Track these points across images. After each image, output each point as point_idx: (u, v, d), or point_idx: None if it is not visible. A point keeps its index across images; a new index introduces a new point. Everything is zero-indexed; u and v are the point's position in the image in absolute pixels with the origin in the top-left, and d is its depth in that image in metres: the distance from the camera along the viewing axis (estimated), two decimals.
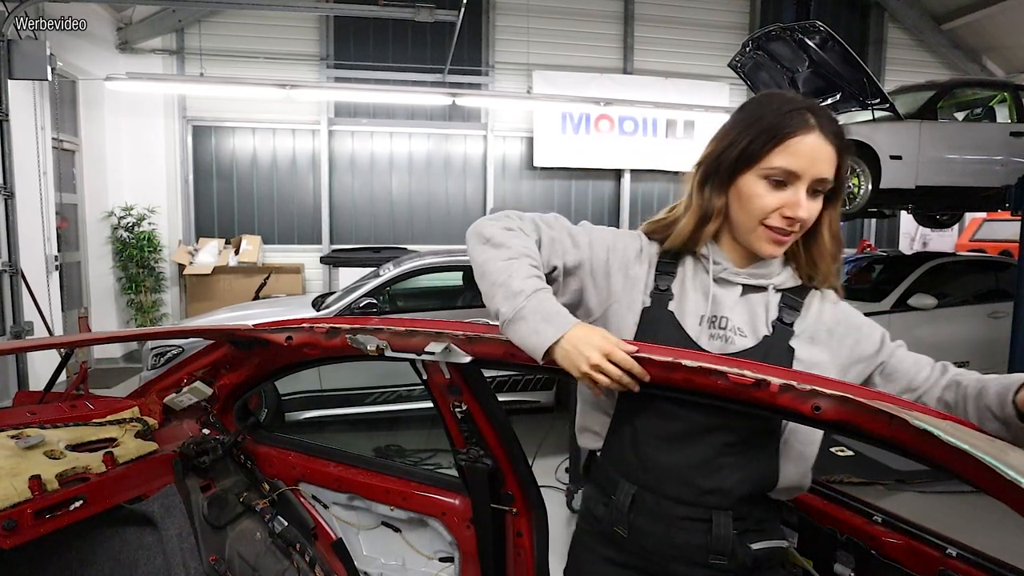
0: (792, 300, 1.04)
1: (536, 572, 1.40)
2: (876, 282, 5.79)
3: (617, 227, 7.65)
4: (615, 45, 8.43)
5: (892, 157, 5.32)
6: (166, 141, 7.18)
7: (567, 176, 8.46)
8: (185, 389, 1.65)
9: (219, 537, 1.63)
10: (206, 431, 1.66)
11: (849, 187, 5.32)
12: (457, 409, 1.30)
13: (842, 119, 5.89)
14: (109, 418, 1.70)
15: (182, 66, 7.23)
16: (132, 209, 6.76)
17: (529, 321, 0.92)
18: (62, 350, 2.09)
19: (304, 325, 1.30)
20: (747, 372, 0.88)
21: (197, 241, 7.33)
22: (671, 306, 1.04)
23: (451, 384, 1.25)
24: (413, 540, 1.60)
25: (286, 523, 1.67)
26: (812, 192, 0.97)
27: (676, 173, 8.22)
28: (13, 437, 1.50)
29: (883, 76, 9.21)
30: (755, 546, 0.99)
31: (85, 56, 6.20)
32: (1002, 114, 6.01)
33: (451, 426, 1.34)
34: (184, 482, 1.59)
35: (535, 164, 8.25)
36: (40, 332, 4.99)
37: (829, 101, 6.06)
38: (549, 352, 0.91)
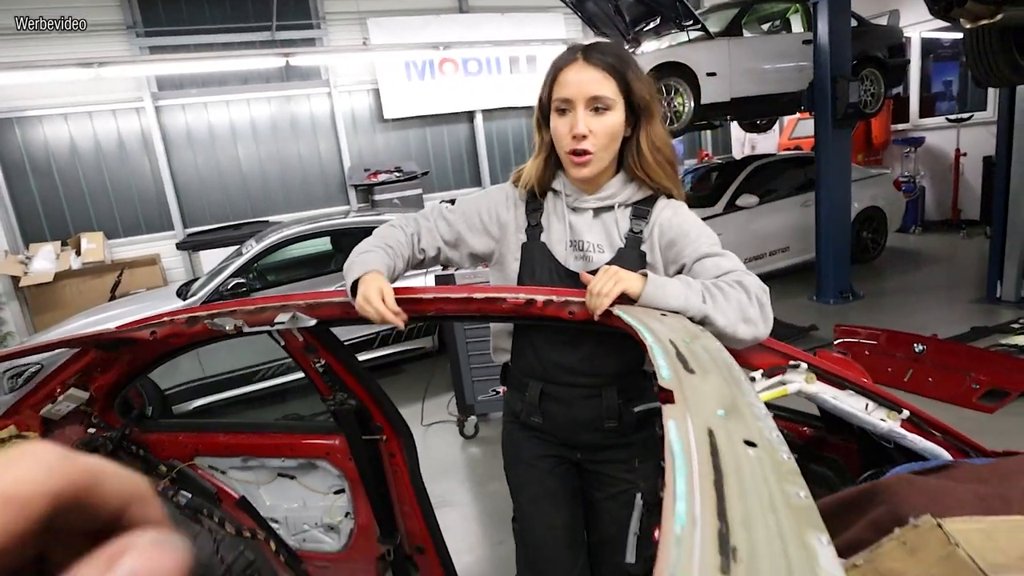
0: (641, 211, 1.23)
1: (412, 483, 1.72)
2: (713, 187, 6.50)
3: (477, 169, 7.94)
4: None
5: (708, 74, 5.92)
6: None
7: (420, 124, 8.50)
8: (61, 398, 1.75)
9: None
10: (92, 431, 1.79)
11: (675, 106, 5.90)
12: (317, 364, 1.55)
13: (665, 42, 6.42)
14: None
15: None
16: None
17: (345, 273, 1.20)
18: None
19: (165, 319, 1.47)
20: (519, 295, 1.21)
21: (27, 248, 6.66)
22: (543, 237, 1.26)
23: (307, 345, 1.49)
24: (307, 482, 1.87)
25: (190, 495, 1.86)
26: (594, 110, 1.16)
27: (526, 108, 8.52)
28: None
29: None
30: (637, 409, 1.25)
31: None
32: (797, 24, 6.82)
33: (316, 379, 1.60)
34: None
35: (386, 116, 8.20)
36: None
37: (651, 25, 6.56)
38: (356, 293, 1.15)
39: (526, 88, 8.65)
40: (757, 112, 7.26)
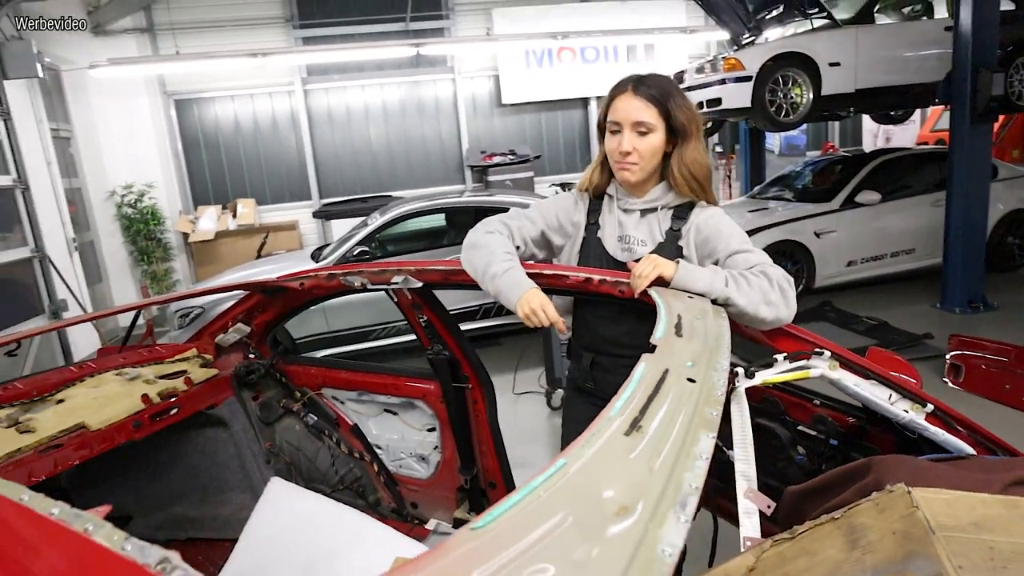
0: (681, 212, 1.49)
1: (490, 427, 2.05)
2: (833, 182, 6.19)
3: (588, 154, 8.12)
4: None
5: (831, 64, 5.67)
6: (152, 118, 7.55)
7: (536, 109, 8.81)
8: (231, 329, 2.27)
9: (270, 430, 2.29)
10: (251, 357, 2.29)
11: (791, 97, 5.73)
12: (421, 320, 1.91)
13: (790, 30, 6.20)
14: (177, 357, 2.33)
15: (155, 43, 7.49)
16: (131, 186, 7.24)
17: (503, 290, 1.41)
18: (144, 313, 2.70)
19: (311, 273, 1.89)
20: (580, 274, 1.47)
21: (196, 209, 7.83)
22: (599, 233, 1.54)
23: (414, 303, 1.86)
24: (406, 418, 2.26)
25: (316, 418, 2.32)
26: (639, 133, 1.41)
27: None
28: (117, 374, 2.14)
29: None
30: None
31: (63, 45, 6.49)
32: (941, 9, 6.28)
33: (419, 332, 1.96)
34: (240, 394, 2.23)
35: (504, 101, 8.59)
36: (74, 307, 5.60)
37: (774, 13, 6.37)
38: (517, 306, 1.41)
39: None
40: (886, 104, 6.77)
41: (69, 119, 6.73)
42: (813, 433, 1.63)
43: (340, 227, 7.32)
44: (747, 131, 8.25)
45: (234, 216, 7.71)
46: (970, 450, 1.38)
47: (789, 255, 5.65)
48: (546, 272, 1.49)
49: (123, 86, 7.19)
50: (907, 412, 1.36)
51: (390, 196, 8.09)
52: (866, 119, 9.85)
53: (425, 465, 2.24)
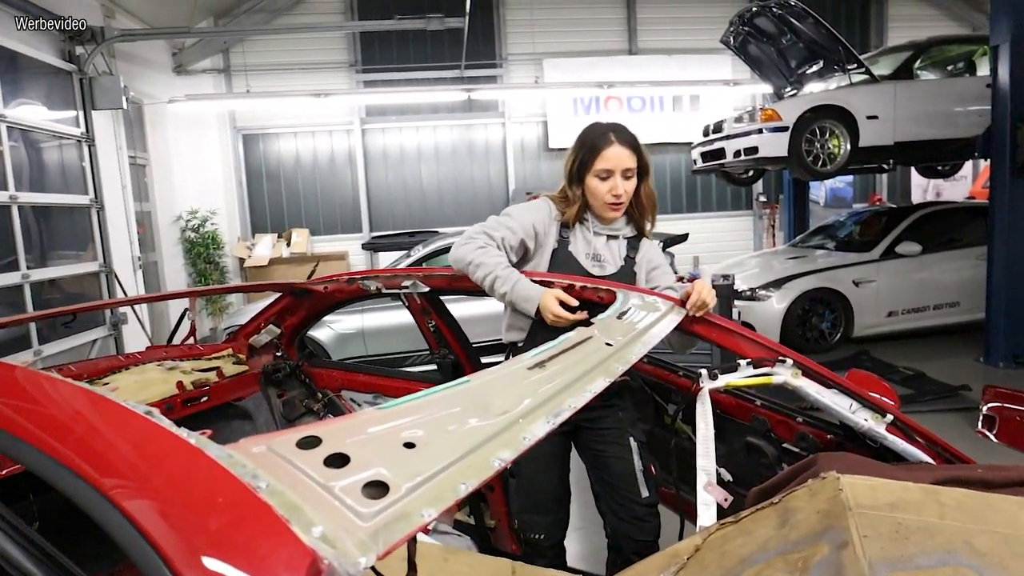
0: (633, 243, 1.80)
1: None
2: (876, 233, 6.14)
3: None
4: (619, 28, 8.95)
5: (869, 117, 5.74)
6: (221, 150, 8.19)
7: None
8: (263, 331, 2.47)
9: (291, 427, 2.46)
10: (278, 355, 2.48)
11: (828, 148, 5.78)
12: (430, 325, 2.06)
13: (823, 85, 6.32)
14: (213, 355, 2.55)
15: (229, 82, 8.20)
16: (196, 212, 7.81)
17: (519, 300, 1.60)
18: (188, 315, 2.96)
19: (333, 277, 2.08)
20: (563, 280, 1.58)
21: (253, 236, 8.35)
22: (570, 248, 1.75)
23: (423, 308, 2.01)
24: None
25: (335, 417, 2.48)
26: (625, 177, 1.69)
27: (686, 143, 8.71)
28: (158, 365, 2.36)
29: (886, 33, 9.39)
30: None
31: (148, 81, 7.20)
32: (984, 67, 6.28)
33: (428, 337, 2.11)
34: (266, 390, 2.42)
35: (551, 145, 8.90)
36: (133, 322, 6.03)
37: (814, 68, 6.48)
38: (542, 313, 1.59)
39: (687, 126, 8.83)
40: (925, 157, 6.76)
41: (147, 148, 7.38)
42: (796, 450, 1.67)
43: (387, 259, 7.65)
44: (791, 182, 8.27)
45: (288, 244, 8.17)
46: (927, 459, 1.41)
47: (827, 303, 5.60)
48: (535, 280, 1.61)
49: (197, 120, 7.86)
50: (867, 421, 1.41)
51: (436, 232, 8.42)
52: (915, 174, 9.68)
53: None
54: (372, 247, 8.17)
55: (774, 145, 5.65)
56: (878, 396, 1.62)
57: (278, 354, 2.46)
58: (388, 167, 8.82)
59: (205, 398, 2.22)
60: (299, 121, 8.38)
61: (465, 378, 0.72)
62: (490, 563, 1.48)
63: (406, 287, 1.88)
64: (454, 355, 2.08)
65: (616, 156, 1.67)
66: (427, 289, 1.87)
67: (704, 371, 1.49)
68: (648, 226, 1.82)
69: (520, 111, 8.88)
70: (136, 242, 6.52)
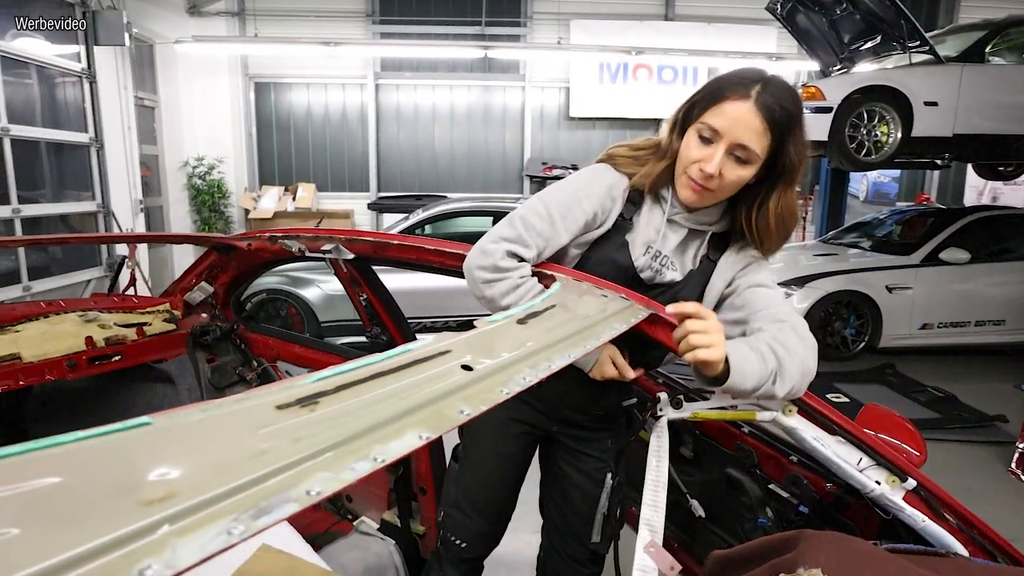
0: (718, 243, 1.23)
1: None
2: (919, 236, 5.57)
3: None
4: None
5: (927, 103, 5.16)
6: (231, 97, 7.93)
7: (605, 126, 8.61)
8: (195, 288, 2.22)
9: (220, 396, 2.21)
10: (214, 319, 2.23)
11: (875, 135, 5.25)
12: (361, 297, 1.77)
13: (877, 64, 5.73)
14: (147, 309, 2.31)
15: (243, 26, 7.89)
16: (203, 159, 7.60)
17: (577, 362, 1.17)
18: (128, 263, 2.73)
19: (256, 234, 1.80)
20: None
21: (260, 188, 8.14)
22: (628, 235, 1.21)
23: (352, 278, 1.72)
24: None
25: None
26: (734, 158, 1.08)
27: None
28: (79, 315, 2.13)
29: (956, 12, 8.62)
30: (625, 403, 1.35)
31: (159, 21, 6.93)
32: None
33: (359, 311, 1.82)
34: (194, 353, 2.17)
35: (572, 114, 8.44)
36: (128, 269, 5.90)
37: (868, 44, 5.89)
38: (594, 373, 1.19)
39: None
40: (988, 154, 6.08)
41: (156, 90, 7.16)
42: (784, 495, 1.36)
43: (392, 221, 7.39)
44: (829, 171, 7.70)
45: (294, 198, 7.95)
46: (959, 547, 1.07)
47: (853, 307, 5.14)
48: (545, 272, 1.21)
49: (209, 64, 7.59)
50: (879, 484, 1.08)
51: (445, 196, 8.11)
52: (971, 173, 8.98)
53: None
54: (377, 207, 7.91)
55: (814, 128, 5.11)
56: (899, 445, 1.28)
57: (214, 317, 2.21)
58: (400, 126, 8.47)
59: (117, 357, 1.98)
60: (312, 72, 8.06)
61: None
62: None
63: (327, 251, 1.58)
64: (388, 335, 1.79)
65: (737, 117, 1.06)
66: (351, 256, 1.57)
67: (664, 395, 1.17)
68: (767, 251, 1.21)
69: (542, 74, 8.41)
70: (139, 185, 6.34)
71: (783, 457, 1.38)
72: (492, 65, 8.25)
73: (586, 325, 0.88)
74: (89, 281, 5.66)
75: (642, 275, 1.21)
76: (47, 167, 5.30)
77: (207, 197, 7.58)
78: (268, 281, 5.06)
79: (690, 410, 1.17)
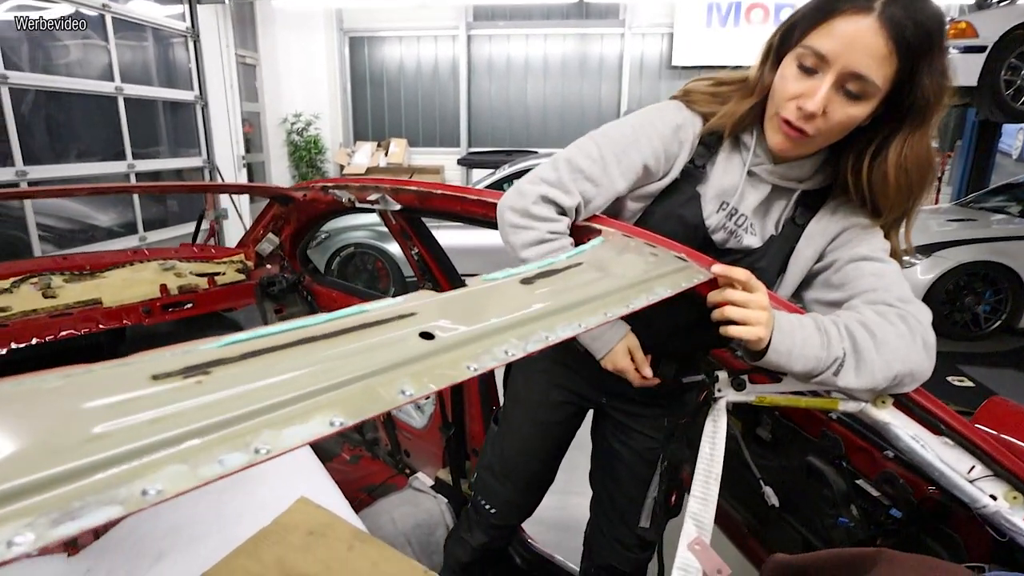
0: (810, 202, 0.99)
1: (479, 390, 1.78)
2: None
3: None
4: None
5: None
6: (327, 52, 8.09)
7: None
8: (263, 239, 2.24)
9: None
10: (283, 270, 2.27)
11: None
12: (413, 251, 1.68)
13: None
14: (224, 259, 2.38)
15: None
16: (301, 115, 7.87)
17: (587, 341, 1.05)
18: (207, 214, 2.83)
19: (310, 185, 1.76)
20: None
21: (354, 143, 8.33)
22: (699, 187, 1.00)
23: (402, 230, 1.63)
24: None
25: None
26: (844, 92, 0.84)
27: None
28: (160, 264, 2.22)
29: None
30: (685, 380, 1.10)
31: None
32: None
33: (413, 267, 1.74)
34: (262, 304, 2.21)
35: (675, 63, 7.88)
36: (233, 217, 6.27)
37: None
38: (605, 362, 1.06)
39: None
40: None
41: (257, 48, 7.43)
42: (875, 493, 1.15)
43: (481, 176, 7.33)
44: (975, 123, 6.68)
45: (386, 154, 8.08)
46: None
47: (991, 282, 4.46)
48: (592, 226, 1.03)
49: (305, 20, 7.75)
50: (994, 499, 0.87)
51: (535, 152, 7.92)
52: None
53: (420, 414, 2.06)
54: (467, 163, 7.88)
55: (962, 70, 4.38)
56: None
57: (284, 266, 2.24)
58: (492, 79, 8.30)
59: (189, 304, 2.05)
60: (405, 24, 8.03)
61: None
62: (396, 564, 1.16)
63: (373, 201, 1.50)
64: (439, 290, 1.70)
65: (852, 38, 0.81)
66: (398, 207, 1.47)
67: (723, 373, 1.00)
68: (883, 218, 0.95)
69: (643, 19, 7.85)
70: (241, 141, 6.68)
71: (877, 451, 1.17)
72: (589, 11, 7.82)
73: (617, 288, 0.72)
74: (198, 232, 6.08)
75: (714, 237, 1.01)
76: (160, 125, 5.67)
77: (304, 153, 7.87)
78: (356, 235, 5.19)
79: (755, 393, 0.99)
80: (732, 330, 0.80)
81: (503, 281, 0.64)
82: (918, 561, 0.74)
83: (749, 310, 0.79)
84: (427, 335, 0.50)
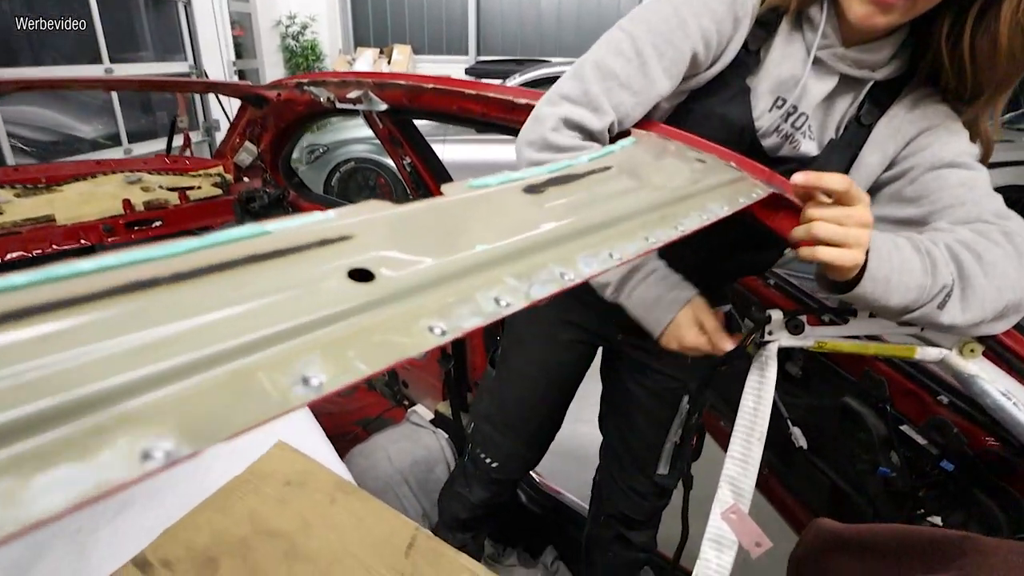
0: (881, 97, 0.79)
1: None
2: None
3: None
4: None
5: None
6: None
7: None
8: (241, 149, 2.01)
9: None
10: (266, 187, 2.05)
11: None
12: (405, 161, 1.45)
13: None
14: (199, 171, 2.15)
15: None
16: (295, 17, 7.31)
17: (635, 307, 0.84)
18: (180, 120, 2.57)
19: (283, 82, 1.50)
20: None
21: (355, 50, 7.81)
22: (749, 79, 0.80)
23: (392, 136, 1.39)
24: None
25: None
26: None
27: None
28: (125, 176, 2.01)
29: None
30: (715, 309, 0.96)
31: None
32: None
33: (405, 180, 1.51)
34: (242, 222, 2.00)
35: None
36: (225, 128, 5.96)
37: None
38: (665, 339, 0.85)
39: None
40: None
41: None
42: (922, 441, 1.00)
43: None
44: None
45: (389, 62, 7.57)
46: None
47: None
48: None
49: None
50: None
51: (547, 62, 7.39)
52: None
53: None
54: (475, 72, 7.38)
55: None
56: None
57: (266, 179, 2.02)
58: None
59: (158, 222, 1.85)
60: None
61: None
62: (384, 520, 1.02)
63: (354, 101, 1.25)
64: None
65: None
66: (383, 106, 1.23)
67: (778, 313, 0.82)
68: (979, 102, 0.75)
69: None
70: (231, 45, 6.22)
71: (928, 395, 1.01)
72: None
73: (660, 202, 0.51)
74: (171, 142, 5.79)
75: (764, 142, 0.80)
76: (142, 25, 5.25)
77: (301, 59, 7.39)
78: (357, 149, 4.90)
79: (814, 337, 0.81)
80: (822, 252, 0.61)
81: (497, 188, 0.43)
82: (1017, 550, 0.58)
83: (847, 228, 0.60)
84: (362, 274, 0.29)
